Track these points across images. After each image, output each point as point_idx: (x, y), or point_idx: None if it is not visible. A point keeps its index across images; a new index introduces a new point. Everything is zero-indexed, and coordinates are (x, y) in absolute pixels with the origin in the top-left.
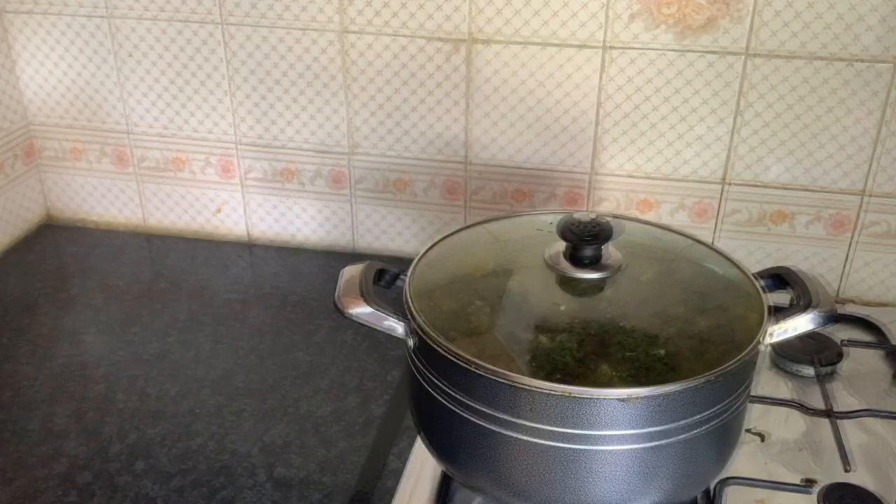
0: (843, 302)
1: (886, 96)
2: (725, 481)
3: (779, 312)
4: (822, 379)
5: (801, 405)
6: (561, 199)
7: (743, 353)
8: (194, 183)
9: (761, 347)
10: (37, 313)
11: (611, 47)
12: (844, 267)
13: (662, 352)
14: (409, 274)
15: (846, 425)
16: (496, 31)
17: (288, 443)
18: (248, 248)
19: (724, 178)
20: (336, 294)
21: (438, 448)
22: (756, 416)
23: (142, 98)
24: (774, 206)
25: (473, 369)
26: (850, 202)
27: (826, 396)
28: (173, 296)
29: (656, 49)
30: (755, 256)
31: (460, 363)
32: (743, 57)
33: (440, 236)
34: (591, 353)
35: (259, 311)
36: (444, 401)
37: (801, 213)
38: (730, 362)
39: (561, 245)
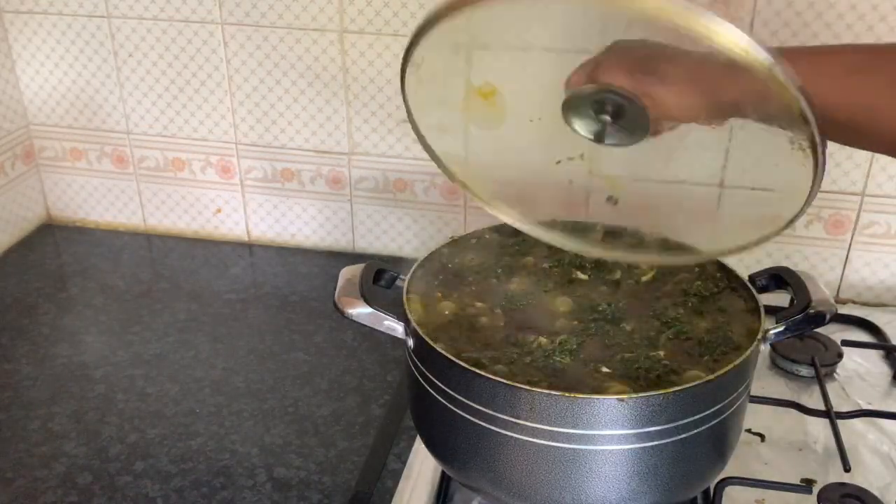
0: (842, 302)
1: None
2: (725, 481)
3: (778, 313)
4: (822, 379)
5: (801, 405)
6: (561, 199)
7: (742, 355)
8: (194, 184)
9: (760, 348)
10: (37, 313)
11: None
12: (843, 267)
13: (662, 353)
14: (407, 276)
15: (846, 425)
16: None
17: (288, 443)
18: (248, 249)
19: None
20: (336, 294)
21: (438, 448)
22: (756, 416)
23: (142, 99)
24: None
25: (472, 370)
26: (849, 202)
27: (825, 396)
28: (173, 296)
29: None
30: (755, 256)
31: (459, 363)
32: None
33: (440, 240)
34: (591, 354)
35: (259, 312)
36: (443, 401)
37: None
38: (729, 364)
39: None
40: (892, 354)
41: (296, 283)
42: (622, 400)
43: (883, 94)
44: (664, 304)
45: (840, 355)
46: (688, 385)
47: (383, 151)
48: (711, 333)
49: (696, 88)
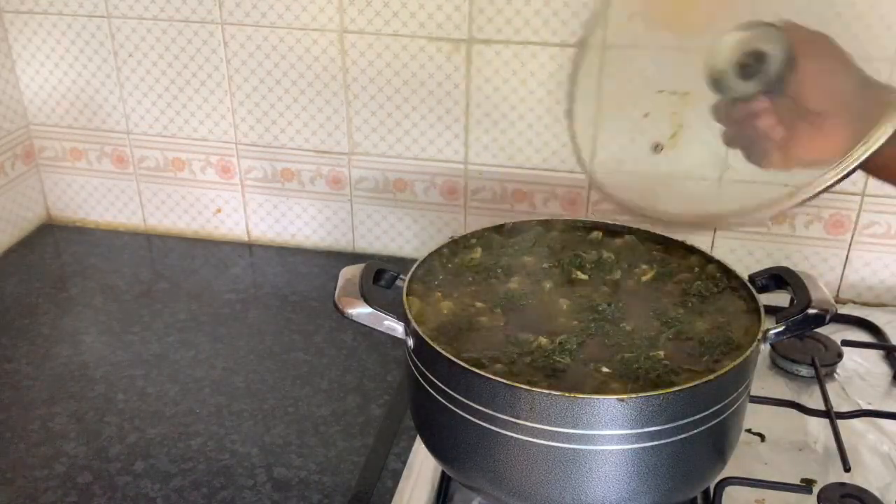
0: (842, 302)
1: None
2: (725, 481)
3: (778, 313)
4: (822, 379)
5: (801, 405)
6: (561, 199)
7: (742, 355)
8: (194, 184)
9: (760, 348)
10: (37, 313)
11: (612, 47)
12: (843, 267)
13: (662, 353)
14: (407, 276)
15: (846, 425)
16: (496, 31)
17: (288, 443)
18: (248, 249)
19: (722, 178)
20: (336, 294)
21: (438, 448)
22: (756, 416)
23: (142, 99)
24: None
25: (472, 370)
26: (849, 202)
27: (825, 396)
28: (173, 296)
29: (656, 49)
30: (755, 256)
31: (459, 363)
32: None
33: (440, 240)
34: (591, 354)
35: (259, 312)
36: (443, 401)
37: (801, 213)
38: (729, 364)
39: None
40: (892, 354)
41: (296, 283)
42: (622, 400)
43: None
44: (664, 304)
45: (840, 355)
46: (688, 385)
47: (383, 151)
48: (711, 333)
49: (847, 129)
